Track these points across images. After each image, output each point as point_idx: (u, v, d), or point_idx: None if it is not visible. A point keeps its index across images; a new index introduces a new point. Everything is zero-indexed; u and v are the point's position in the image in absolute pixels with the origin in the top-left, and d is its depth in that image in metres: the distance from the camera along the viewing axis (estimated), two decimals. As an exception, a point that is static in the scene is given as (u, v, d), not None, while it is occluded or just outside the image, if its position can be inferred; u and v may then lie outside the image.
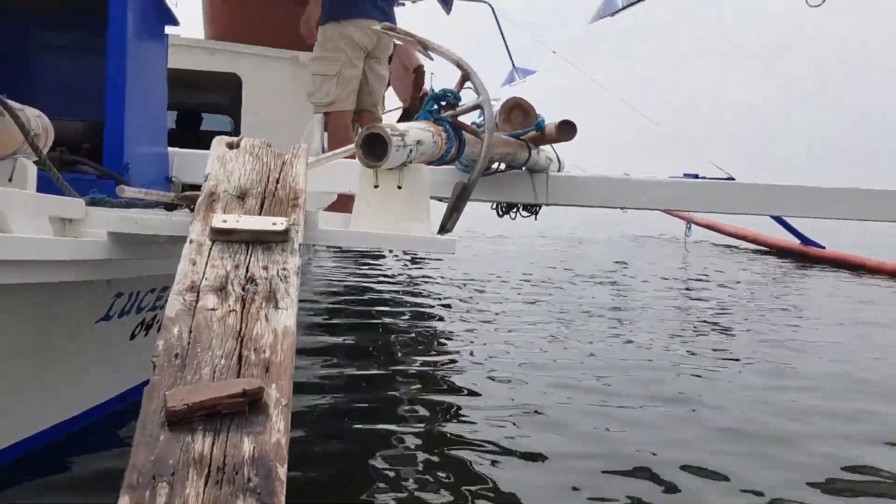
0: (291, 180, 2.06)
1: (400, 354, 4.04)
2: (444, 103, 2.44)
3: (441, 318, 5.12)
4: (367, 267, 7.81)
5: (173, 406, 1.38)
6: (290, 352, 1.58)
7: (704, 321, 5.47)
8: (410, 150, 2.17)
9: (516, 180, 3.51)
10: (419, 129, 2.26)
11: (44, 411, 2.24)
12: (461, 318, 5.05)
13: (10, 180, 2.00)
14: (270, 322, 1.62)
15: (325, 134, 4.89)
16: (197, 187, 3.55)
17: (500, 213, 3.96)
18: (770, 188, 3.81)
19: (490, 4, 9.28)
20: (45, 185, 2.10)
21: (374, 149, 2.10)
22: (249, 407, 1.44)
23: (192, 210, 2.60)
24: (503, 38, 9.40)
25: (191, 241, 1.78)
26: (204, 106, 5.93)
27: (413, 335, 4.60)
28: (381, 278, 7.07)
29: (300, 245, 1.83)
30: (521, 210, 3.93)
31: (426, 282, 7.00)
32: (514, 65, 9.80)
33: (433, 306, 5.58)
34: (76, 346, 2.30)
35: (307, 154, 2.20)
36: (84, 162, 2.69)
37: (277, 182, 2.06)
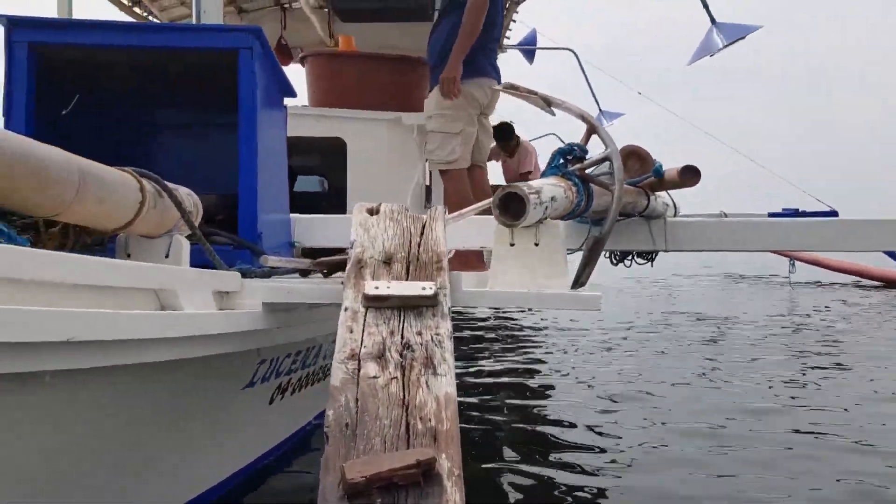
0: (433, 243, 2.09)
1: (547, 409, 3.99)
2: (570, 157, 2.44)
3: (537, 372, 5.06)
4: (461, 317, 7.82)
5: (352, 479, 1.39)
6: (454, 419, 1.57)
7: (817, 366, 5.22)
8: (546, 207, 2.17)
9: (633, 227, 3.47)
10: (551, 186, 2.27)
11: (190, 478, 2.30)
12: (566, 371, 4.97)
13: (166, 256, 2.10)
14: (432, 389, 1.63)
15: (430, 189, 4.97)
16: (317, 251, 3.68)
17: (615, 261, 3.91)
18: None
19: (573, 51, 9.34)
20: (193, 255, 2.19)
21: (511, 207, 2.11)
22: (423, 477, 1.44)
23: (325, 275, 2.68)
24: (588, 83, 9.42)
25: (346, 309, 1.81)
26: (298, 168, 6.13)
27: (537, 384, 4.55)
28: (478, 325, 7.06)
29: (449, 308, 1.85)
30: (635, 257, 3.87)
31: (531, 328, 6.95)
32: (600, 109, 9.79)
33: (534, 353, 5.52)
34: (221, 413, 2.37)
35: (444, 217, 2.22)
36: (220, 233, 2.80)
37: (419, 246, 2.09)
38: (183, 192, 2.19)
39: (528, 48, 8.92)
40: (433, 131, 4.08)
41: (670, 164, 3.34)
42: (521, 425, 3.72)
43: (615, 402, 4.03)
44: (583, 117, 2.48)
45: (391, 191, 4.81)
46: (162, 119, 3.52)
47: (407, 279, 1.95)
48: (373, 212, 2.25)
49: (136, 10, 7.39)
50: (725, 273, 15.39)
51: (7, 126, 2.78)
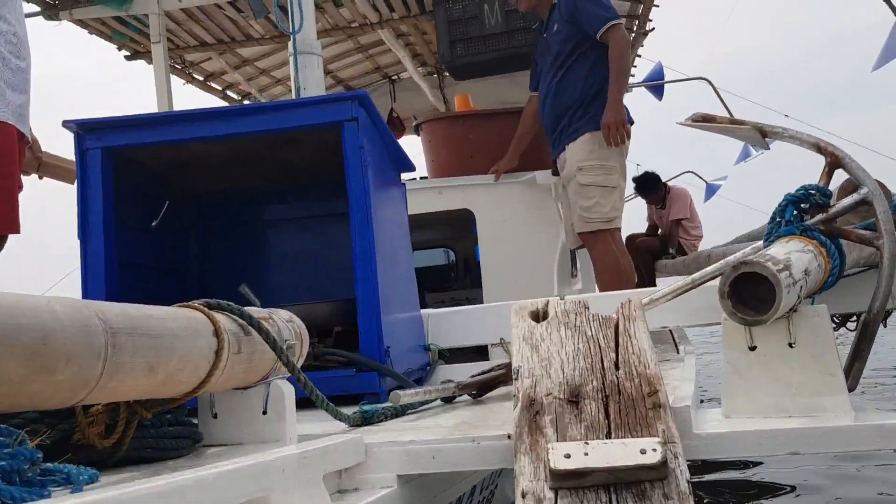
0: (637, 361, 1.40)
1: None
2: (808, 206, 1.71)
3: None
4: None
5: None
6: None
7: None
8: (801, 287, 1.44)
9: (860, 283, 2.63)
10: (798, 253, 1.54)
11: None
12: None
13: (264, 413, 1.53)
14: None
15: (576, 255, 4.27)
16: (454, 351, 3.06)
17: (836, 324, 3.05)
18: None
19: (708, 80, 8.49)
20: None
21: (746, 293, 1.40)
22: None
23: (475, 396, 2.04)
24: (728, 112, 8.49)
25: (523, 496, 1.15)
26: (420, 243, 5.60)
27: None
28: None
29: (689, 482, 1.15)
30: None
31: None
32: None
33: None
34: None
35: (643, 312, 1.54)
36: (337, 354, 2.23)
37: (617, 367, 1.40)
38: (281, 318, 1.62)
39: (657, 83, 8.16)
40: (587, 185, 3.41)
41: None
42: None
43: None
44: (819, 147, 1.75)
45: (532, 262, 4.17)
46: (268, 214, 3.04)
47: (609, 429, 1.26)
48: (539, 316, 1.59)
49: (230, 93, 7.24)
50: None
51: (83, 243, 2.36)
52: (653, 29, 6.10)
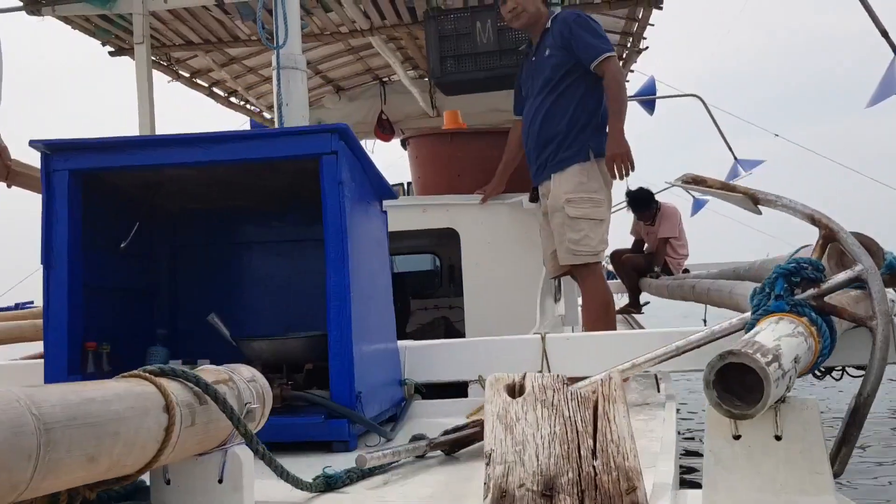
0: (615, 451, 1.33)
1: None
2: (799, 280, 1.64)
3: None
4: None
5: None
6: None
7: None
8: (790, 378, 1.37)
9: (850, 336, 2.58)
10: (788, 337, 1.47)
11: None
12: None
13: (220, 482, 1.44)
14: None
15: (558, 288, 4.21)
16: (432, 387, 2.97)
17: (819, 374, 3.00)
18: None
19: (699, 97, 8.45)
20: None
21: (733, 383, 1.33)
22: None
23: (448, 453, 1.96)
24: (719, 130, 8.47)
25: None
26: (404, 248, 5.49)
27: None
28: None
29: None
30: (847, 370, 2.94)
31: None
32: (735, 157, 8.79)
33: None
34: None
35: (623, 392, 1.46)
36: (308, 399, 2.14)
37: (594, 455, 1.33)
38: (242, 378, 1.53)
39: (648, 98, 8.11)
40: (576, 218, 3.33)
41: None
42: None
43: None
44: (813, 219, 1.68)
45: (516, 284, 4.09)
46: (242, 237, 2.94)
47: (584, 530, 1.19)
48: (514, 390, 1.51)
49: (233, 99, 7.12)
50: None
51: (46, 268, 2.25)
52: (647, 48, 6.03)
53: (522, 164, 3.91)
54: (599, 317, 3.31)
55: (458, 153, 4.39)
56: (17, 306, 10.22)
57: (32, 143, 2.27)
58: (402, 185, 8.37)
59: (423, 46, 6.57)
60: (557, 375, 1.50)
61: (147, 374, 1.28)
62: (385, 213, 2.83)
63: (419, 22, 5.35)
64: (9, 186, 2.88)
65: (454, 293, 6.51)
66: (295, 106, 3.25)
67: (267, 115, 8.06)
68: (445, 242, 5.34)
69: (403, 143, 4.73)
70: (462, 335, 4.77)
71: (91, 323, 2.33)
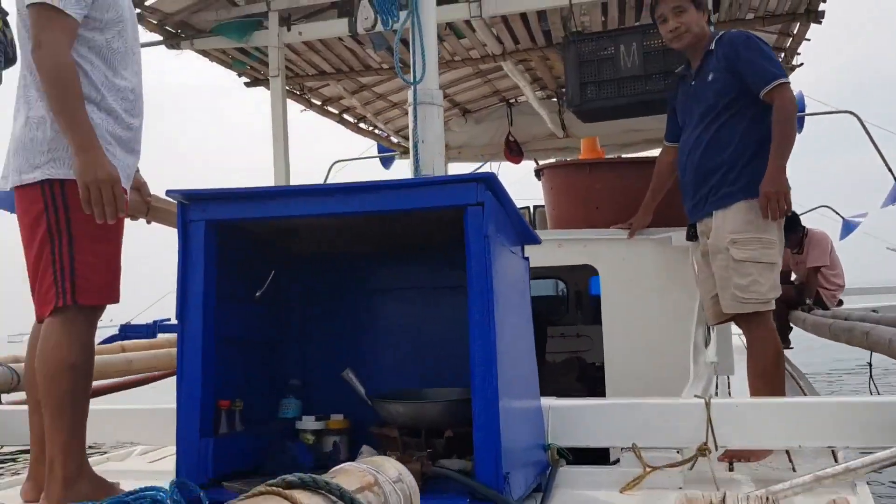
0: None
1: None
2: None
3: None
4: None
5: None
6: None
7: None
8: None
9: None
10: None
11: None
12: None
13: None
14: None
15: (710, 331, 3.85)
16: (578, 452, 2.72)
17: None
18: None
19: (855, 115, 7.75)
20: None
21: None
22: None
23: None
24: (877, 150, 7.72)
25: None
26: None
27: None
28: None
29: None
30: None
31: None
32: None
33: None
34: None
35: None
36: (454, 478, 1.94)
37: None
38: (388, 480, 1.35)
39: (798, 115, 7.48)
40: (742, 261, 2.99)
41: None
42: None
43: None
44: None
45: (662, 328, 3.77)
46: (373, 283, 2.78)
47: None
48: (708, 512, 1.25)
49: (346, 116, 7.12)
50: None
51: (182, 321, 2.18)
52: (801, 64, 5.56)
53: (669, 195, 3.60)
54: (768, 372, 2.95)
55: (597, 184, 4.11)
56: (154, 324, 10.73)
57: (169, 193, 2.21)
58: (527, 209, 8.16)
59: (554, 67, 6.36)
60: (767, 499, 1.23)
61: (281, 491, 1.11)
62: (527, 259, 2.62)
63: (553, 45, 5.13)
64: (148, 223, 2.86)
65: (581, 320, 6.19)
66: (431, 142, 3.11)
67: (394, 140, 8.07)
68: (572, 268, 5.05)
69: (538, 174, 4.50)
70: (595, 371, 4.48)
71: (224, 377, 2.24)
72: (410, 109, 3.11)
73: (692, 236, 3.35)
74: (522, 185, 7.57)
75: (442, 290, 2.67)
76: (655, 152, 3.90)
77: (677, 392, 3.05)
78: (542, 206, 7.00)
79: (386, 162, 8.88)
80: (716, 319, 3.28)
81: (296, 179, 5.32)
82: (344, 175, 8.57)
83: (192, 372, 2.13)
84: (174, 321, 2.25)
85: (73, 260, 2.26)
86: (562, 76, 6.34)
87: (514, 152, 8.19)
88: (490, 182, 2.03)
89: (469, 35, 4.95)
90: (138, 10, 4.35)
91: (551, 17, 4.71)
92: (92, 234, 2.28)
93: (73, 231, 2.27)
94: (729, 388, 4.25)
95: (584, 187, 4.17)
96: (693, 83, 3.25)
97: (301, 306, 2.74)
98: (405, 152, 8.42)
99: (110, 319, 4.83)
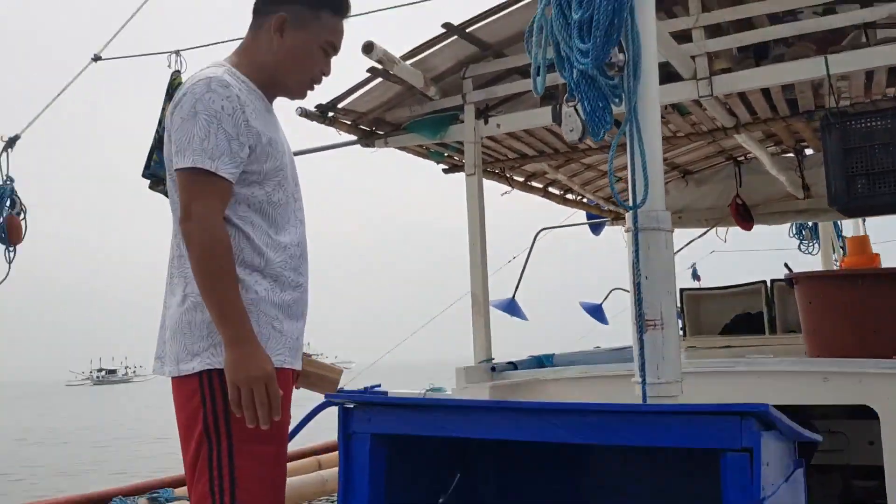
0: None
1: None
2: None
3: None
4: None
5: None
6: None
7: None
8: None
9: None
10: None
11: None
12: None
13: None
14: None
15: None
16: None
17: None
18: None
19: None
20: None
21: None
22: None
23: None
24: None
25: None
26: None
27: None
28: None
29: None
30: None
31: None
32: None
33: None
34: None
35: None
36: None
37: None
38: None
39: None
40: None
41: None
42: None
43: None
44: None
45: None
46: (594, 481, 2.18)
47: None
48: None
49: (552, 189, 6.55)
50: None
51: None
52: None
53: None
54: None
55: (873, 301, 3.20)
56: (365, 390, 10.77)
57: (328, 398, 1.78)
58: (763, 283, 7.04)
59: (791, 124, 5.42)
60: None
61: None
62: (802, 464, 1.90)
63: (799, 114, 4.27)
64: (297, 388, 2.45)
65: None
66: (656, 280, 2.45)
67: (604, 206, 7.44)
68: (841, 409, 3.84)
69: (790, 283, 3.63)
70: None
71: None
72: (629, 236, 2.49)
73: None
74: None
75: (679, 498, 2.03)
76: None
77: None
78: (781, 281, 6.00)
79: (596, 228, 8.27)
80: None
81: (491, 250, 4.74)
82: (546, 244, 7.98)
83: None
84: None
85: (233, 466, 1.90)
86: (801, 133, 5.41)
87: (744, 217, 7.23)
88: (763, 417, 1.37)
89: (695, 110, 4.24)
90: (332, 114, 4.12)
91: (799, 87, 3.89)
92: (254, 433, 1.90)
93: (233, 430, 1.91)
94: None
95: (853, 304, 3.28)
96: None
97: None
98: (616, 218, 7.75)
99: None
